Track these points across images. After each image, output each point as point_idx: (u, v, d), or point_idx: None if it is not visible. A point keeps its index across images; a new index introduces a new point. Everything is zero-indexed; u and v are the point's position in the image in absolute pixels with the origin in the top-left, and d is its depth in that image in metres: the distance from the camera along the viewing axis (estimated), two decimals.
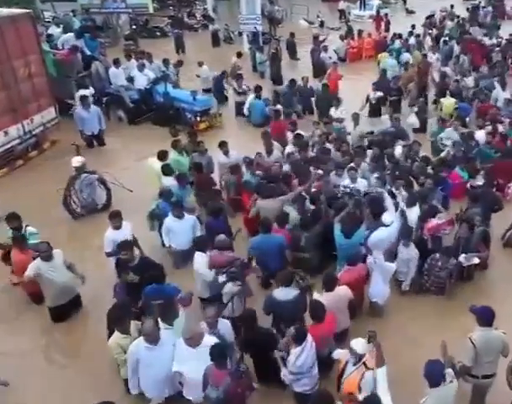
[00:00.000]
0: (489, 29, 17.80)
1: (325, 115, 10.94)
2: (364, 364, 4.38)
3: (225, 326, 5.00)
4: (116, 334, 4.91)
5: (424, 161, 8.39)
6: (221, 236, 6.03)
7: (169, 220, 6.83)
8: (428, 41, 16.40)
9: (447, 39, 15.75)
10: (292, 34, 17.44)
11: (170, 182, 7.77)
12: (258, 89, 12.05)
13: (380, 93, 11.87)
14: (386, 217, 6.49)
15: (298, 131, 9.53)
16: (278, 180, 7.64)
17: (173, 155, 8.58)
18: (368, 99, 11.86)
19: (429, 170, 8.21)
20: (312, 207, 7.11)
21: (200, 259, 5.94)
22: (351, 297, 5.52)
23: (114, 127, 11.53)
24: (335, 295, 5.38)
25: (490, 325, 4.65)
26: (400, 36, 16.49)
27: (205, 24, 22.11)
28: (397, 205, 6.86)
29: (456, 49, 14.93)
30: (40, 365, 5.73)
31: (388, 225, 6.42)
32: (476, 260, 6.54)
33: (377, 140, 9.09)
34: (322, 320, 4.95)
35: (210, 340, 4.56)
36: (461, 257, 6.47)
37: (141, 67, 12.52)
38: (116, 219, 6.51)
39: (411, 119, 10.64)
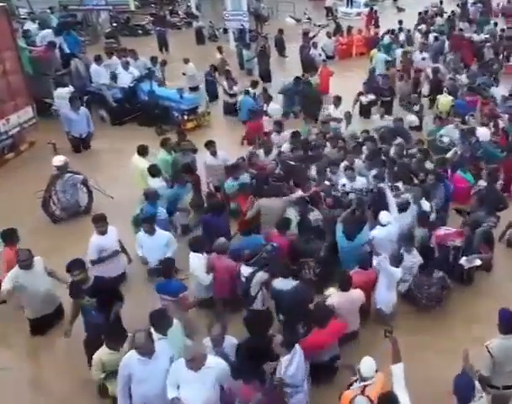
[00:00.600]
0: (479, 24, 17.77)
1: (310, 115, 10.59)
2: (363, 386, 4.05)
3: (231, 343, 4.59)
4: (103, 349, 4.53)
5: (423, 154, 8.13)
6: (222, 240, 5.78)
7: (141, 234, 6.27)
8: (417, 37, 16.25)
9: (436, 34, 15.61)
10: (281, 31, 17.25)
11: (157, 183, 7.31)
12: (254, 84, 11.78)
13: (372, 96, 11.63)
14: (382, 216, 6.30)
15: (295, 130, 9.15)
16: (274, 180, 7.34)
17: (161, 154, 8.14)
18: (358, 101, 11.59)
19: (428, 165, 7.95)
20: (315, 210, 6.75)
21: (197, 261, 5.67)
22: (364, 301, 5.45)
23: (97, 127, 10.99)
24: (348, 296, 5.28)
25: (510, 332, 4.36)
26: (392, 32, 16.38)
27: (188, 22, 21.73)
28: (405, 205, 6.63)
29: (447, 45, 14.84)
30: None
31: (384, 225, 6.24)
32: (477, 262, 6.28)
33: (379, 135, 8.84)
34: (324, 325, 4.75)
35: (213, 361, 4.11)
36: (463, 260, 6.22)
37: (126, 65, 11.99)
38: (100, 223, 6.10)
39: (410, 118, 10.36)
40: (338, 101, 10.50)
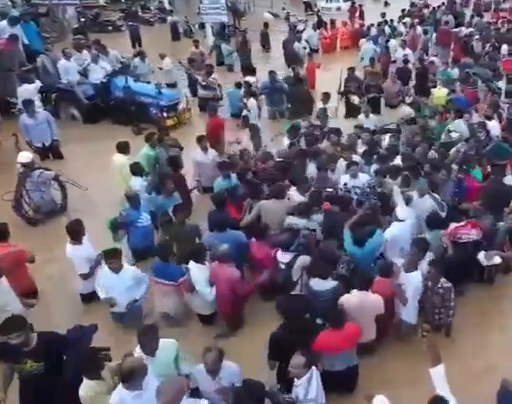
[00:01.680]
0: (461, 16, 17.71)
1: (296, 113, 10.20)
2: None
3: (230, 370, 3.99)
4: (86, 383, 3.86)
5: (426, 142, 7.78)
6: (224, 247, 5.17)
7: (104, 271, 5.23)
8: (402, 30, 15.95)
9: (426, 27, 15.38)
10: (266, 25, 16.89)
11: (139, 183, 6.71)
12: (251, 72, 11.35)
13: (365, 99, 11.15)
14: (398, 211, 5.87)
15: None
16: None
17: (145, 149, 7.48)
18: (344, 94, 11.15)
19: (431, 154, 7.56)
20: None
21: (198, 272, 5.10)
22: (381, 311, 4.83)
23: (68, 127, 10.10)
24: (365, 297, 4.78)
25: None
26: (380, 24, 16.10)
27: (161, 18, 20.91)
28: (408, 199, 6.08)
29: (434, 37, 14.62)
30: None
31: (402, 221, 5.78)
32: (497, 260, 5.65)
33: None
34: (340, 325, 4.34)
35: None
36: (481, 255, 5.61)
37: (96, 58, 11.12)
38: (75, 234, 5.47)
39: (406, 110, 9.87)
40: (326, 98, 10.02)
